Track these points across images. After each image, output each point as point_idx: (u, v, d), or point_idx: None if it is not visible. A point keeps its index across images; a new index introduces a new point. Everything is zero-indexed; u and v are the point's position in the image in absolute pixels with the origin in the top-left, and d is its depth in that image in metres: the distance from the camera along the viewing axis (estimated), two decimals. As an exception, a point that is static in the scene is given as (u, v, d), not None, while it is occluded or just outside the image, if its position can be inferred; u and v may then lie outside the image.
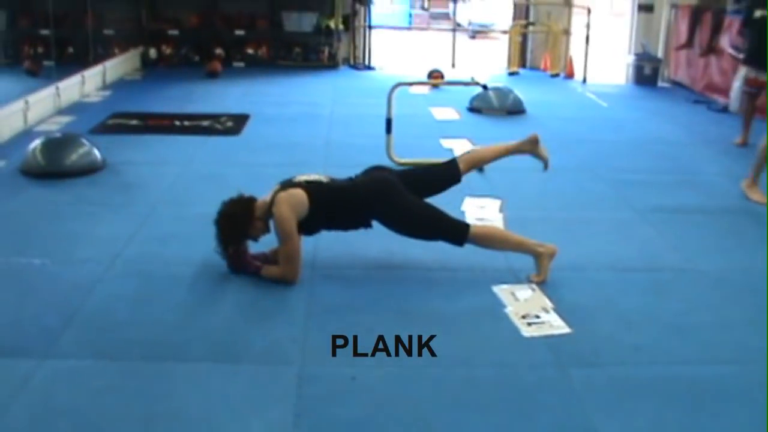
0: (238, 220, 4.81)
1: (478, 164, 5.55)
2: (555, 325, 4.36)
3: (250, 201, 4.87)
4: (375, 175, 5.12)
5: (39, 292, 4.62)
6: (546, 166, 5.51)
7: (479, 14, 24.69)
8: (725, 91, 11.15)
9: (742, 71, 8.91)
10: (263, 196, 4.90)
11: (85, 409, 3.44)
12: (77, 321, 4.23)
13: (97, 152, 7.24)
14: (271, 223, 4.83)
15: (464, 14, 25.58)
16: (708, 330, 4.38)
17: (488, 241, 4.99)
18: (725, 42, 11.49)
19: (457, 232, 4.93)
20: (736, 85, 8.98)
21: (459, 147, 8.21)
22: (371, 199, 4.94)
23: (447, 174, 5.28)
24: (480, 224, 5.12)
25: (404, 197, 4.94)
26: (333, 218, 4.96)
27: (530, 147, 5.52)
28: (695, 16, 12.77)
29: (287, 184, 4.90)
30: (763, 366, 3.99)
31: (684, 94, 12.55)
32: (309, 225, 4.87)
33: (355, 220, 5.01)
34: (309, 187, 4.85)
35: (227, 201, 4.89)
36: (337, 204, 4.92)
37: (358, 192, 4.96)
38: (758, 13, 8.70)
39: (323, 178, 5.01)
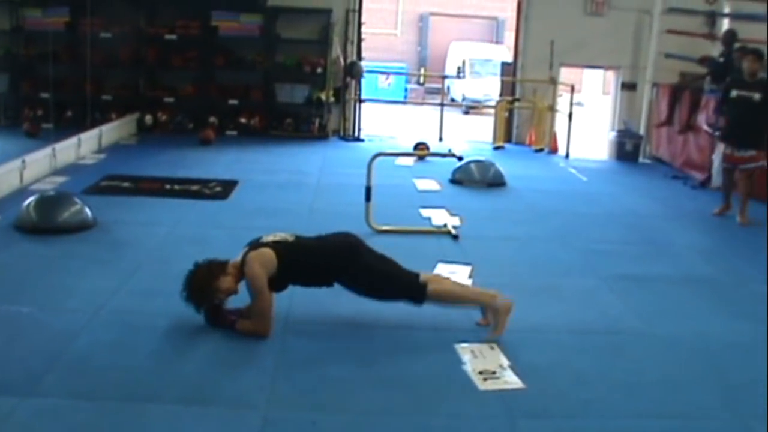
0: (204, 281, 5.05)
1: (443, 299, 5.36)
2: (510, 380, 4.62)
3: (220, 265, 5.13)
4: (341, 237, 5.44)
5: (25, 337, 4.88)
6: (495, 333, 5.20)
7: (474, 90, 25.12)
8: (702, 168, 11.54)
9: (721, 147, 9.26)
10: (235, 258, 5.20)
11: (62, 444, 3.70)
12: (60, 364, 4.50)
13: (88, 211, 7.54)
14: (243, 283, 5.12)
15: (459, 90, 26.04)
16: (657, 387, 4.65)
17: (446, 297, 5.28)
18: (702, 120, 11.90)
19: (415, 291, 5.21)
20: (717, 161, 9.31)
21: (437, 216, 8.53)
22: (335, 260, 5.25)
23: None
24: (437, 283, 5.36)
25: (365, 259, 5.26)
26: (299, 275, 5.26)
27: (493, 307, 5.31)
28: (675, 95, 13.21)
29: (256, 244, 5.21)
30: (706, 422, 4.27)
31: (663, 170, 12.91)
32: (278, 282, 5.15)
33: (319, 279, 5.31)
34: (277, 246, 5.15)
35: (197, 263, 5.16)
36: (303, 262, 5.23)
37: (324, 253, 5.28)
38: (734, 93, 9.12)
39: (289, 237, 5.32)
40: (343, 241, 5.40)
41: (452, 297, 5.31)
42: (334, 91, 14.58)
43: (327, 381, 4.49)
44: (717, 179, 9.25)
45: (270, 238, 5.28)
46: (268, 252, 5.09)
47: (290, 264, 5.14)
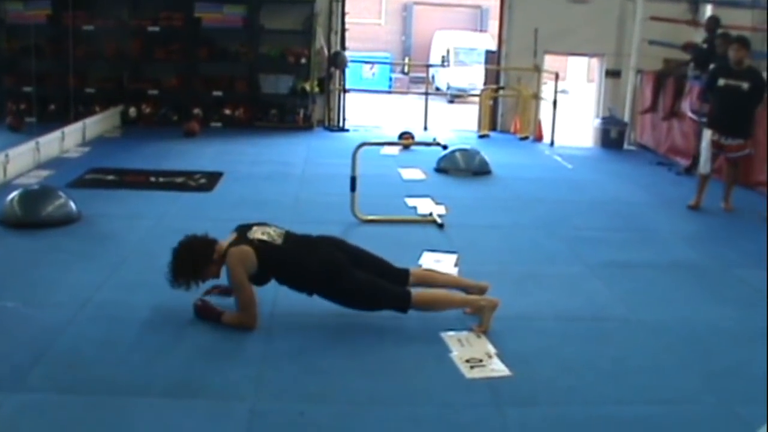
0: (196, 257, 5.11)
1: (427, 285, 5.48)
2: (496, 368, 4.64)
3: (212, 243, 5.18)
4: (326, 254, 5.27)
5: (11, 332, 4.87)
6: (480, 329, 5.18)
7: (458, 79, 25.16)
8: (687, 154, 11.59)
9: (708, 134, 9.26)
10: (223, 240, 5.22)
11: (48, 438, 3.70)
12: (46, 359, 4.49)
13: (73, 205, 7.51)
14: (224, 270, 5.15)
15: (444, 78, 26.06)
16: (642, 374, 4.69)
17: (431, 305, 5.28)
18: (686, 106, 11.93)
19: (399, 301, 5.19)
20: (704, 145, 9.29)
21: (422, 205, 8.54)
22: (317, 281, 5.20)
23: (395, 279, 5.39)
24: (422, 291, 5.31)
25: (348, 281, 5.17)
26: (279, 278, 5.26)
27: (478, 292, 5.50)
28: (659, 82, 13.24)
29: (243, 232, 5.22)
30: (691, 407, 4.30)
31: (648, 157, 12.96)
32: (258, 278, 5.16)
33: (299, 287, 5.27)
34: (260, 246, 5.12)
35: (191, 236, 5.22)
36: (285, 270, 5.21)
37: (306, 269, 5.19)
38: (722, 82, 9.09)
39: (277, 239, 5.25)
40: (328, 258, 5.23)
41: (437, 305, 5.31)
42: (318, 81, 14.56)
43: (314, 371, 4.50)
44: (706, 166, 9.19)
45: (258, 234, 5.22)
46: (249, 252, 5.05)
47: (271, 267, 5.15)
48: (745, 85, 8.91)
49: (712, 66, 10.05)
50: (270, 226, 5.37)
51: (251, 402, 4.13)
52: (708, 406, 4.34)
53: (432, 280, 5.56)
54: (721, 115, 9.18)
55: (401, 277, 5.41)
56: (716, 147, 9.14)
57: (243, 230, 5.28)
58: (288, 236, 5.35)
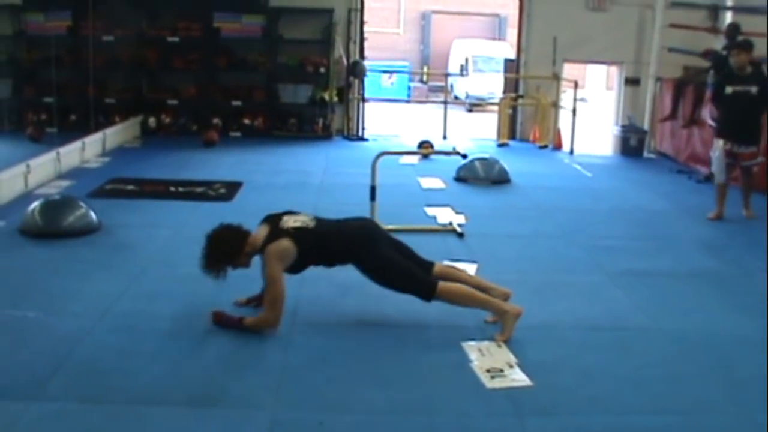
0: (229, 247, 5.18)
1: (450, 281, 5.43)
2: (517, 378, 4.61)
3: (245, 235, 5.24)
4: (361, 223, 5.52)
5: (31, 341, 4.88)
6: (502, 337, 5.15)
7: (477, 87, 25.13)
8: (707, 162, 11.47)
9: (720, 143, 9.21)
10: (255, 231, 5.27)
11: (68, 447, 3.70)
12: (65, 368, 4.50)
13: (93, 214, 7.55)
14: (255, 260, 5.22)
15: (463, 87, 26.04)
16: (662, 383, 4.64)
17: (455, 298, 5.26)
18: (706, 114, 11.88)
19: (424, 288, 5.22)
20: (716, 155, 9.24)
21: (442, 214, 8.54)
22: (354, 246, 5.29)
23: (421, 268, 5.45)
24: (448, 283, 5.35)
25: (384, 250, 5.29)
26: (317, 260, 5.34)
27: (501, 298, 5.46)
28: (678, 89, 13.19)
29: (275, 223, 5.28)
30: (712, 416, 4.27)
31: (668, 165, 12.91)
32: (296, 265, 5.22)
33: (336, 262, 5.39)
34: (296, 234, 5.18)
35: (225, 225, 5.28)
36: (322, 249, 5.28)
37: (342, 240, 5.32)
38: (729, 90, 9.03)
39: (309, 222, 5.34)
40: (361, 227, 5.46)
41: (461, 300, 5.28)
42: (337, 90, 14.60)
43: (334, 380, 4.49)
44: (719, 176, 9.12)
45: (290, 222, 5.29)
46: (289, 247, 5.12)
47: (309, 250, 5.20)
48: (754, 89, 8.83)
49: (716, 76, 9.99)
50: (299, 214, 5.44)
51: (271, 411, 4.12)
52: (730, 416, 4.30)
53: (455, 276, 5.54)
54: (732, 123, 9.10)
55: (426, 267, 5.45)
56: (730, 156, 9.06)
57: (273, 221, 5.33)
58: (319, 219, 5.44)
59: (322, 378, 4.52)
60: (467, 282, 5.49)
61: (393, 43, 30.98)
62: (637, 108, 14.90)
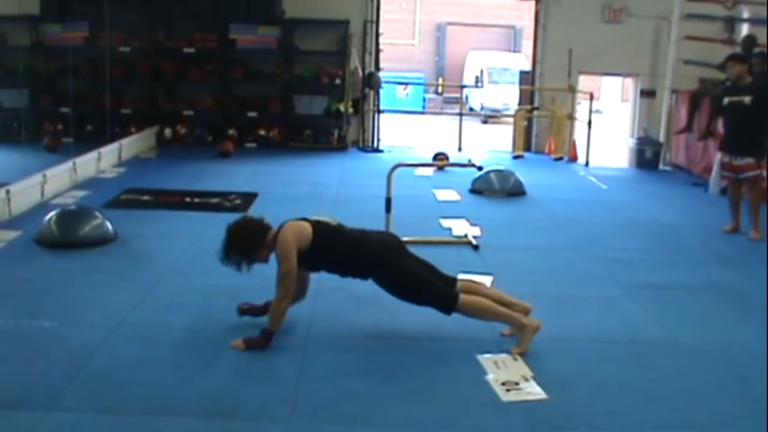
0: (250, 238, 5.20)
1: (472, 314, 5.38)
2: (533, 391, 4.60)
3: (267, 228, 5.27)
4: (386, 236, 5.55)
5: (47, 351, 4.90)
6: (518, 350, 5.17)
7: (492, 99, 25.09)
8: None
9: (718, 155, 9.17)
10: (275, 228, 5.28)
11: (84, 458, 3.71)
12: (81, 379, 4.52)
13: (109, 225, 7.58)
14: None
15: (478, 99, 26.02)
16: (679, 397, 4.62)
17: (476, 311, 5.24)
18: (722, 126, 11.80)
19: (446, 300, 5.21)
20: (715, 169, 9.23)
21: (457, 226, 8.53)
22: (374, 259, 5.27)
23: (443, 281, 5.42)
24: (468, 296, 5.34)
25: (403, 262, 5.28)
26: (333, 260, 5.29)
27: (521, 312, 5.40)
28: (694, 101, 13.13)
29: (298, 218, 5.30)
30: (727, 431, 4.24)
31: (683, 177, 12.86)
32: (309, 258, 5.18)
33: (353, 269, 5.34)
34: (317, 225, 5.22)
35: (248, 217, 5.34)
36: (339, 249, 5.26)
37: (362, 246, 5.30)
38: (726, 101, 8.97)
39: (332, 222, 5.40)
40: (384, 239, 5.45)
41: (482, 313, 5.26)
42: (352, 102, 14.62)
43: (349, 394, 4.48)
44: (714, 189, 9.17)
45: (315, 217, 5.34)
46: (306, 225, 5.18)
47: (325, 246, 5.19)
48: (747, 99, 8.72)
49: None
50: (323, 217, 5.47)
51: (286, 424, 4.11)
52: (747, 431, 4.28)
53: (478, 291, 5.50)
54: (728, 134, 9.07)
55: (449, 282, 5.43)
56: (729, 169, 8.99)
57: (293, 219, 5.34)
58: (342, 225, 5.46)
59: (338, 390, 4.51)
60: (490, 297, 5.47)
61: (408, 54, 31.00)
62: (652, 120, 14.87)
